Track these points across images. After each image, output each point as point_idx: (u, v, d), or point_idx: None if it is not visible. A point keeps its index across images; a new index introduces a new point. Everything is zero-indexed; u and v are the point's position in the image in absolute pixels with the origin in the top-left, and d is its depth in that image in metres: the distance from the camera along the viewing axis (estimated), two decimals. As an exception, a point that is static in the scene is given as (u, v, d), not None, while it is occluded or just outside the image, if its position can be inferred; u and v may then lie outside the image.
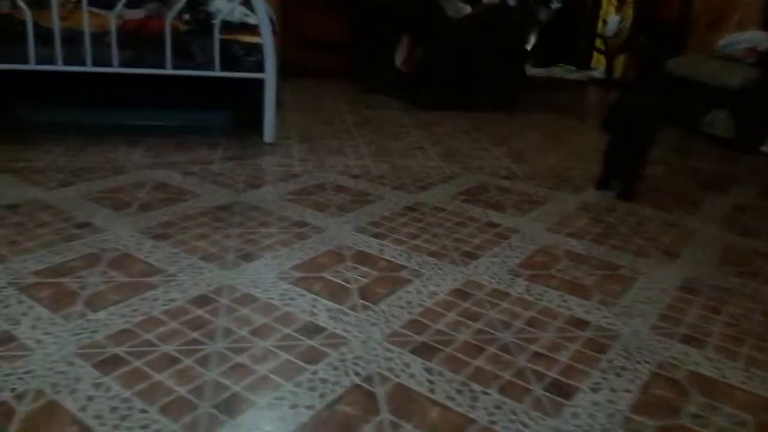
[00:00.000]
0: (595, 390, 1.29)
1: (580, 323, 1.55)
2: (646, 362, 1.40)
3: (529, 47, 5.90)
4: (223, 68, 2.91)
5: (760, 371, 1.40)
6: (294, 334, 1.41)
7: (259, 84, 2.98)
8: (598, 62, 6.48)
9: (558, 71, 6.73)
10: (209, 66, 2.90)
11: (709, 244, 2.14)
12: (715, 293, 1.77)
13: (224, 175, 2.50)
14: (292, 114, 3.76)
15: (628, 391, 1.29)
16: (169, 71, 2.87)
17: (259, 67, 2.94)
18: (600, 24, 6.54)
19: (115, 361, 1.26)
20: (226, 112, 3.23)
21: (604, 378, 1.33)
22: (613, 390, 1.29)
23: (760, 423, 1.22)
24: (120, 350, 1.30)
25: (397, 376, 1.28)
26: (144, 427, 1.09)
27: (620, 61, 6.02)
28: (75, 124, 3.01)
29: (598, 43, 6.40)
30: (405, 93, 4.39)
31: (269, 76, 2.95)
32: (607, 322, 1.56)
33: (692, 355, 1.44)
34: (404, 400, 1.21)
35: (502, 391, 1.27)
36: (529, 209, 2.35)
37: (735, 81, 3.64)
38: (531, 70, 6.01)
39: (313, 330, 1.43)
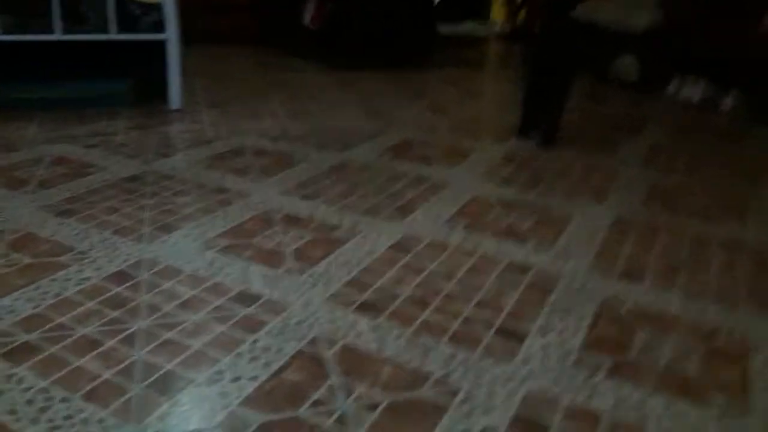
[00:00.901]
0: (543, 333, 1.27)
1: (521, 268, 1.53)
2: (590, 300, 1.39)
3: (436, 2, 5.84)
4: (120, 30, 2.68)
5: (696, 301, 1.43)
6: (227, 304, 1.31)
7: (162, 47, 2.77)
8: (502, 15, 6.51)
9: (466, 27, 6.73)
10: (104, 28, 2.67)
11: (633, 182, 2.18)
12: (645, 229, 1.79)
13: (130, 146, 2.32)
14: (199, 80, 3.55)
15: (576, 330, 1.28)
16: (58, 36, 2.61)
17: (160, 27, 2.74)
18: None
19: (26, 350, 1.12)
20: (127, 79, 3.00)
21: (551, 320, 1.31)
22: (561, 331, 1.28)
23: (704, 351, 1.24)
24: (31, 337, 1.16)
25: (344, 337, 1.21)
26: (68, 417, 0.97)
27: (523, 14, 6.06)
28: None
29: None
30: (317, 53, 4.24)
31: (171, 36, 2.75)
32: (546, 265, 1.55)
33: (632, 291, 1.45)
34: (354, 361, 1.15)
35: (453, 342, 1.22)
36: (457, 161, 2.31)
37: (640, 25, 3.72)
38: (440, 27, 5.97)
39: (248, 298, 1.33)
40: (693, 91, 3.53)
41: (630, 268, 1.56)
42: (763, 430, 1.04)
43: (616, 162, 2.40)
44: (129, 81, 3.00)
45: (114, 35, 2.68)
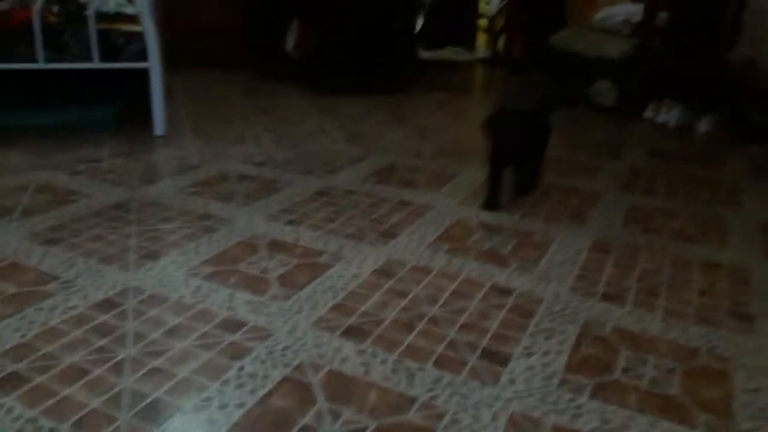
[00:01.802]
0: (528, 354, 1.29)
1: (504, 291, 1.55)
2: (571, 323, 1.42)
3: (416, 30, 5.93)
4: (102, 59, 2.70)
5: (678, 320, 1.46)
6: (213, 331, 1.32)
7: (145, 74, 2.80)
8: (484, 42, 6.62)
9: (447, 53, 6.83)
10: (87, 57, 2.68)
11: (613, 205, 2.22)
12: (625, 251, 1.83)
13: (115, 172, 2.32)
14: (184, 105, 3.57)
15: (559, 352, 1.30)
16: (41, 66, 2.62)
17: (143, 55, 2.76)
18: (483, 4, 6.68)
19: (14, 380, 1.12)
20: (112, 106, 3.01)
21: (534, 342, 1.34)
22: (545, 353, 1.30)
23: (686, 370, 1.27)
24: (19, 367, 1.16)
25: (330, 362, 1.22)
26: (55, 448, 0.97)
27: (502, 40, 6.18)
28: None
29: (482, 23, 6.54)
30: (301, 79, 4.29)
31: (154, 64, 2.77)
32: (528, 287, 1.57)
33: (614, 312, 1.48)
34: (340, 386, 1.16)
35: (438, 365, 1.24)
36: (440, 185, 2.34)
37: (614, 52, 3.82)
38: (422, 54, 6.06)
39: (234, 325, 1.34)
40: (669, 115, 3.61)
41: (611, 290, 1.59)
42: (743, 447, 1.07)
43: (596, 185, 2.45)
44: (113, 107, 3.01)
45: (97, 64, 2.69)
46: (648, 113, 3.75)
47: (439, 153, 2.81)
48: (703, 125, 3.47)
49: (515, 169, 2.09)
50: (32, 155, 2.48)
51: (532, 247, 1.83)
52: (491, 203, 2.06)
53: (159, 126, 2.88)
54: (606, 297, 1.55)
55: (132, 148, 2.65)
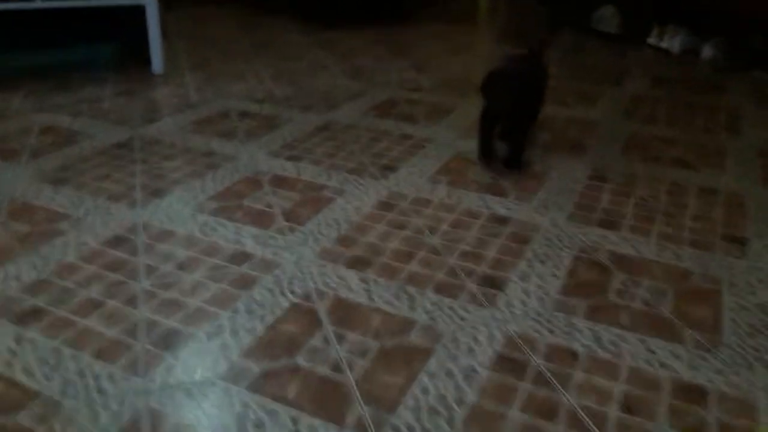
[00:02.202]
0: (524, 279, 1.34)
1: (502, 220, 1.59)
2: (568, 248, 1.46)
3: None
4: (98, -4, 2.66)
5: (672, 245, 1.50)
6: (222, 263, 1.37)
7: (141, 12, 2.76)
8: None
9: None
10: (82, -6, 2.65)
11: (613, 134, 2.23)
12: (623, 179, 1.86)
13: (116, 112, 2.34)
14: (181, 42, 3.53)
15: (555, 276, 1.35)
16: (38, 4, 2.60)
17: (139, -8, 2.72)
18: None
19: (34, 313, 1.18)
20: (109, 45, 2.99)
21: (530, 267, 1.38)
22: (540, 277, 1.35)
23: (678, 292, 1.32)
24: (38, 301, 1.21)
25: (335, 290, 1.28)
26: (79, 373, 1.03)
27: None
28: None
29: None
30: (299, 12, 4.21)
31: (150, 1, 2.73)
32: (526, 216, 1.61)
33: (609, 237, 1.52)
34: (345, 312, 1.22)
35: (438, 290, 1.29)
36: (440, 118, 2.35)
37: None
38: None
39: (241, 257, 1.39)
40: (673, 41, 3.56)
41: (607, 217, 1.62)
42: (731, 359, 1.12)
43: (596, 114, 2.45)
44: (111, 46, 3.00)
45: (92, 1, 2.66)
46: (652, 39, 3.70)
47: (439, 86, 2.81)
48: (707, 51, 3.42)
49: (506, 133, 1.91)
50: (34, 97, 2.48)
51: (530, 177, 1.86)
52: (484, 160, 1.95)
53: (157, 64, 2.87)
54: (602, 223, 1.59)
55: (132, 87, 2.65)
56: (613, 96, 2.71)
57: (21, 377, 1.02)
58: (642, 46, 3.67)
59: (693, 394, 1.04)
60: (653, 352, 1.14)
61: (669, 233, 1.55)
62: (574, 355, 1.12)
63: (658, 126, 2.35)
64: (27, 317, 1.17)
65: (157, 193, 1.68)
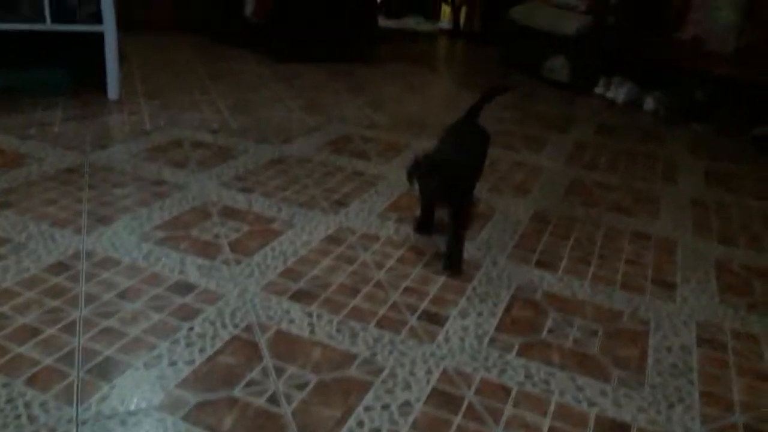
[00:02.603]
0: (463, 316, 1.38)
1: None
2: (507, 287, 1.51)
3: (379, -2, 5.93)
4: (55, 21, 2.66)
5: (604, 286, 1.57)
6: (164, 293, 1.37)
7: (99, 37, 2.76)
8: (445, 13, 6.65)
9: (409, 22, 6.84)
10: (38, 18, 2.64)
11: (556, 178, 2.32)
12: (563, 221, 1.93)
13: (67, 136, 2.32)
14: (138, 69, 3.53)
15: (492, 314, 1.40)
16: (-8, 25, 2.58)
17: (97, 18, 2.73)
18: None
19: (-35, 339, 1.16)
20: (64, 69, 2.97)
21: (470, 304, 1.43)
22: (479, 314, 1.39)
23: (608, 332, 1.38)
24: (-30, 327, 1.19)
25: (278, 323, 1.29)
26: (10, 401, 1.02)
27: (464, 11, 6.22)
28: None
29: (445, -6, 6.56)
30: (259, 45, 4.26)
31: (109, 27, 2.74)
32: (469, 254, 1.66)
33: (546, 278, 1.58)
34: (286, 345, 1.23)
35: (380, 325, 1.32)
36: (393, 157, 2.41)
37: (570, 28, 3.90)
38: (383, 22, 6.07)
39: (184, 288, 1.39)
40: (618, 91, 3.74)
41: (545, 258, 1.69)
42: (653, 398, 1.17)
43: (542, 159, 2.55)
44: (66, 70, 2.97)
45: (50, 26, 2.65)
46: (599, 89, 3.87)
47: (394, 125, 2.87)
48: (649, 102, 3.60)
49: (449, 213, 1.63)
50: (-19, 118, 2.45)
51: (475, 216, 1.91)
52: (420, 230, 1.77)
53: (113, 90, 2.87)
54: (540, 264, 1.65)
55: (85, 112, 2.63)
56: (559, 142, 2.82)
57: (-52, 404, 1.00)
58: (589, 96, 3.84)
59: (617, 430, 1.09)
60: (582, 389, 1.18)
61: (603, 275, 1.62)
62: (506, 390, 1.16)
63: (599, 172, 2.46)
64: (-41, 343, 1.15)
65: (104, 221, 1.68)
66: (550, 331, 1.36)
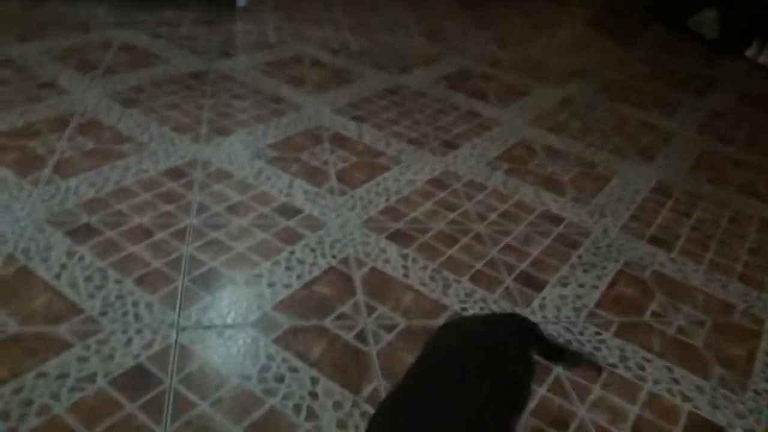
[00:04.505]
0: (563, 284, 1.33)
1: (554, 218, 1.57)
2: (614, 260, 1.44)
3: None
4: None
5: (721, 275, 1.46)
6: (271, 213, 1.40)
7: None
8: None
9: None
10: None
11: (685, 147, 2.15)
12: (686, 197, 1.80)
13: (194, 40, 2.37)
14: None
15: (594, 287, 1.34)
16: None
17: None
18: None
19: (87, 231, 1.24)
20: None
21: (572, 273, 1.37)
22: (580, 285, 1.33)
23: (716, 325, 1.29)
24: (92, 219, 1.27)
25: (374, 261, 1.30)
26: (120, 297, 1.09)
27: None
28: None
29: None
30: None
31: (246, -67, 2.73)
32: (579, 218, 1.59)
33: (659, 256, 1.49)
34: (379, 284, 1.23)
35: (474, 280, 1.29)
36: (512, 100, 2.31)
37: (729, -21, 3.52)
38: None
39: (290, 211, 1.42)
40: (772, 56, 3.37)
41: (661, 234, 1.58)
42: (755, 405, 1.10)
43: (673, 122, 2.36)
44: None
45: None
46: (750, 52, 3.51)
47: (517, 65, 2.74)
48: (806, 73, 3.23)
49: None
50: (117, 11, 2.54)
51: (592, 178, 1.82)
52: None
53: (242, -3, 2.89)
54: (654, 240, 1.55)
55: (212, 17, 2.68)
56: (694, 106, 2.60)
57: (67, 291, 1.08)
58: (739, 58, 3.49)
59: (710, 434, 1.03)
60: (678, 382, 1.12)
61: (720, 262, 1.51)
62: (597, 369, 1.12)
63: (735, 146, 2.25)
64: (80, 233, 1.23)
65: (221, 131, 1.72)
66: (654, 314, 1.29)
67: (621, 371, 1.12)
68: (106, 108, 1.74)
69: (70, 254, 1.16)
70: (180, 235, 1.27)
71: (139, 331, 1.03)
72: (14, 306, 1.04)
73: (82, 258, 1.16)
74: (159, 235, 1.26)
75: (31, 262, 1.13)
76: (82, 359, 0.96)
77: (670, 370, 1.15)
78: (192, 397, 0.94)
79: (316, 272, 1.24)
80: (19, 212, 1.25)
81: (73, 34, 2.23)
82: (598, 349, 1.16)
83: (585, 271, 1.38)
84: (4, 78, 1.81)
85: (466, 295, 1.24)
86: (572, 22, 3.88)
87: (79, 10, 2.47)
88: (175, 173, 1.48)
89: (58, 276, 1.11)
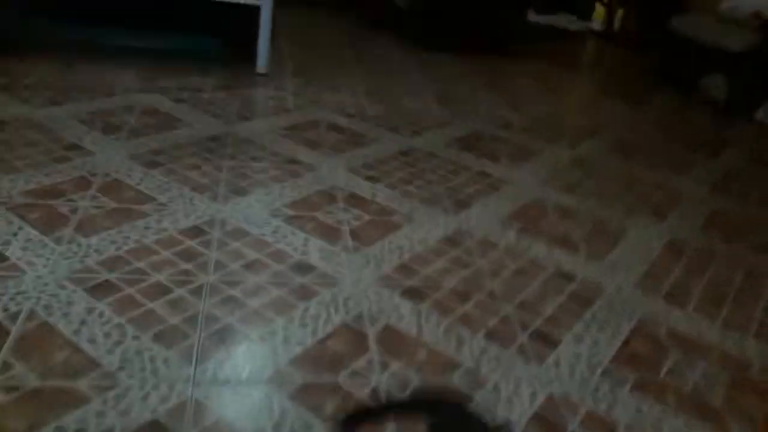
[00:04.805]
0: (577, 341, 1.33)
1: (567, 276, 1.58)
2: (629, 318, 1.44)
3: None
4: (218, -8, 2.82)
5: (736, 332, 1.45)
6: (286, 271, 1.42)
7: (255, 10, 2.90)
8: (599, 14, 6.36)
9: (560, 20, 6.62)
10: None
11: (698, 206, 2.17)
12: (699, 255, 1.80)
13: (215, 104, 2.46)
14: (287, 45, 3.67)
15: (609, 344, 1.33)
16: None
17: (257, -7, 2.86)
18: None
19: (107, 287, 1.27)
20: (219, 38, 3.15)
21: (586, 330, 1.37)
22: (595, 342, 1.33)
23: (734, 381, 1.27)
24: (112, 276, 1.30)
25: (387, 317, 1.31)
26: (138, 352, 1.10)
27: (620, 14, 5.92)
28: (64, 40, 2.93)
29: (601, -7, 6.27)
30: (405, 30, 4.30)
31: (265, 2, 2.86)
32: (592, 276, 1.59)
33: (673, 313, 1.48)
34: (393, 341, 1.24)
35: (488, 336, 1.30)
36: (523, 160, 2.35)
37: (736, 45, 3.60)
38: (532, 17, 5.90)
39: (305, 268, 1.44)
40: (782, 117, 3.42)
41: (675, 291, 1.58)
42: (776, 468, 1.08)
43: (685, 183, 2.38)
44: (221, 40, 3.16)
45: (212, -4, 2.82)
46: (759, 113, 3.55)
47: (528, 126, 2.80)
48: (817, 133, 3.26)
49: None
50: (143, 77, 2.65)
51: (605, 236, 1.83)
52: None
53: (262, 63, 2.99)
54: (668, 298, 1.55)
55: (233, 83, 2.78)
56: (705, 166, 2.62)
57: (86, 346, 1.10)
58: (748, 121, 3.53)
59: (731, 495, 1.01)
60: (697, 443, 1.10)
61: (735, 320, 1.50)
62: (612, 427, 1.11)
63: (748, 206, 2.26)
64: (99, 290, 1.26)
65: (240, 191, 1.77)
66: (669, 371, 1.28)
67: (636, 429, 1.11)
68: (128, 169, 1.80)
69: (89, 310, 1.19)
70: (197, 292, 1.30)
71: (155, 387, 1.04)
72: (34, 361, 1.06)
73: (101, 314, 1.18)
74: (177, 292, 1.29)
75: (51, 317, 1.16)
76: (100, 414, 0.97)
77: (687, 427, 1.13)
78: (205, 452, 0.94)
79: (330, 329, 1.25)
80: (42, 270, 1.29)
81: (100, 97, 2.33)
82: (613, 405, 1.15)
83: (599, 328, 1.38)
84: (33, 140, 1.89)
85: (480, 351, 1.24)
86: (582, 86, 3.97)
87: (106, 76, 2.58)
88: (194, 232, 1.52)
89: (77, 332, 1.13)
